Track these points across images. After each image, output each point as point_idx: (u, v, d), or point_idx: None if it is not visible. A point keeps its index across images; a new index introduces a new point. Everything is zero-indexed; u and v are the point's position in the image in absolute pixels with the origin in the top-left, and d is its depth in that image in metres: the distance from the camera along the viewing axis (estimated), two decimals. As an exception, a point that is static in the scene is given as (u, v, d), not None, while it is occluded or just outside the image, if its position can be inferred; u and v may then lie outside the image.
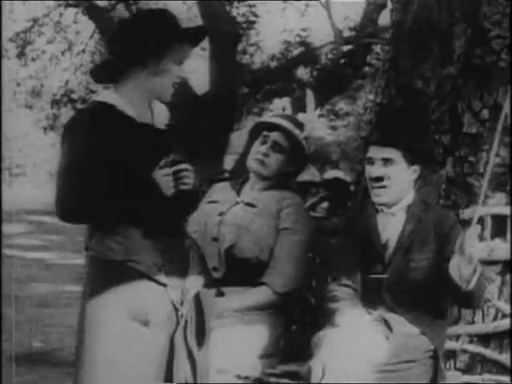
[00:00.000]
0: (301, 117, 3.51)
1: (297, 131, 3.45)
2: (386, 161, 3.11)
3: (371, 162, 3.13)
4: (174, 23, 2.71)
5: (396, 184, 3.12)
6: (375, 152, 3.13)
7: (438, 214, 3.18)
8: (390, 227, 3.15)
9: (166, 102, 2.79)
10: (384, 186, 3.11)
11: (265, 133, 3.45)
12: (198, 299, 2.82)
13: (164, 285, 2.69)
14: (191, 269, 2.93)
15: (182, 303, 2.76)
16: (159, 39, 2.67)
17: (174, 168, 2.68)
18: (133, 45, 2.67)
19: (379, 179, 3.10)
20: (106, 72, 2.76)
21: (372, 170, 3.12)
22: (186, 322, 2.75)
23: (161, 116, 2.83)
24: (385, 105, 3.77)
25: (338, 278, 3.18)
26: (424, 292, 3.07)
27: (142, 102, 2.76)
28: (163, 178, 2.65)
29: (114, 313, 2.63)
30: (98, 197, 2.60)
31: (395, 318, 3.03)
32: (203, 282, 3.15)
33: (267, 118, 3.66)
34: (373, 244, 3.14)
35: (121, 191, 2.61)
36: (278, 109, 3.92)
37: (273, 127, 3.45)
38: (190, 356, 2.73)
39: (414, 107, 3.61)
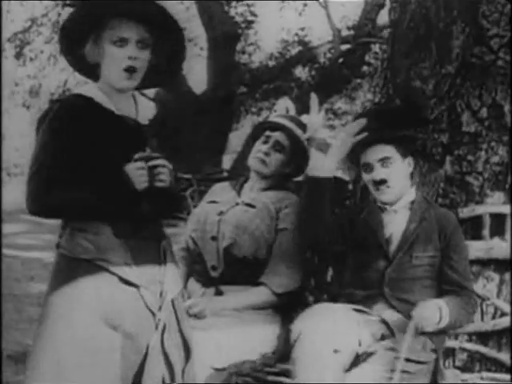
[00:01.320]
0: (304, 118, 3.51)
1: (299, 132, 3.45)
2: (384, 160, 3.11)
3: (370, 167, 3.13)
4: None
5: (397, 180, 3.13)
6: (371, 155, 3.12)
7: (441, 214, 3.19)
8: (394, 224, 3.16)
9: (119, 89, 2.59)
10: (388, 186, 3.12)
11: (267, 132, 3.46)
12: (173, 305, 2.64)
13: (136, 286, 2.53)
14: (175, 272, 2.69)
15: (160, 308, 2.57)
16: (94, 16, 2.50)
17: (150, 163, 2.53)
18: (78, 27, 2.54)
19: (383, 182, 3.11)
20: (75, 58, 2.64)
21: (374, 175, 3.12)
22: (164, 327, 2.57)
23: (145, 111, 2.70)
24: (383, 104, 3.77)
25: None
26: (425, 290, 3.07)
27: (123, 95, 2.63)
28: (136, 171, 2.50)
29: (79, 313, 2.48)
30: (68, 191, 2.49)
31: (395, 318, 3.03)
32: (182, 286, 3.09)
33: (270, 118, 3.67)
34: (376, 239, 3.15)
35: (92, 186, 2.49)
36: (281, 109, 3.91)
37: (275, 127, 3.46)
38: (168, 363, 2.56)
39: (412, 106, 3.61)
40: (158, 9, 2.55)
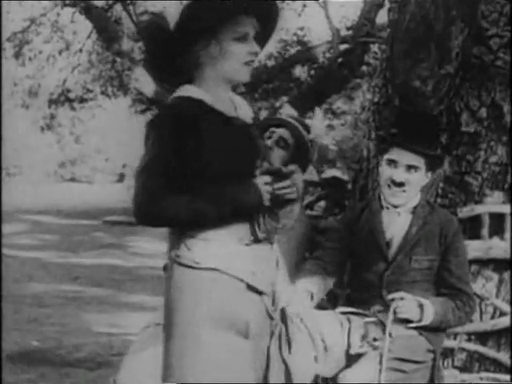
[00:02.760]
0: (308, 123, 3.52)
1: (304, 132, 3.46)
2: (410, 167, 3.09)
3: (395, 165, 3.11)
4: None
5: (413, 189, 3.12)
6: (400, 156, 3.10)
7: (443, 218, 3.18)
8: (396, 226, 3.15)
9: (245, 82, 2.53)
10: (403, 191, 3.11)
11: (272, 129, 3.46)
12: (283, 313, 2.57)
13: (261, 293, 2.47)
14: (285, 277, 2.65)
15: (275, 312, 2.52)
16: (209, 17, 2.42)
17: (277, 186, 2.42)
18: (192, 28, 2.43)
19: (401, 184, 3.10)
20: (174, 71, 2.53)
21: (394, 174, 3.10)
22: (280, 331, 2.53)
23: (243, 109, 2.58)
24: (382, 104, 3.77)
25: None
26: (423, 293, 3.07)
27: (225, 94, 2.54)
28: (264, 186, 2.41)
29: (209, 325, 2.40)
30: (184, 197, 2.39)
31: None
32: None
33: (276, 116, 3.68)
34: (376, 241, 3.15)
35: (212, 194, 2.40)
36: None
37: (280, 124, 3.47)
38: (287, 370, 2.51)
39: (411, 106, 3.61)
40: (268, 1, 2.54)
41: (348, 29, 12.63)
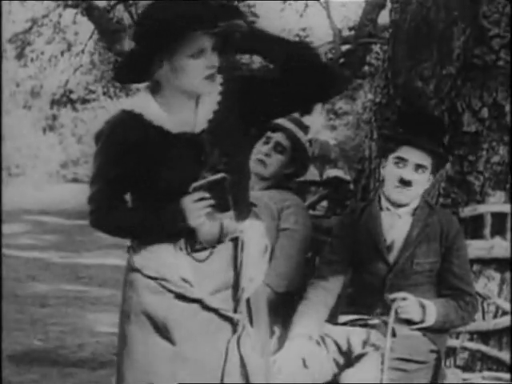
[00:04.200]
0: (306, 120, 3.52)
1: (300, 133, 3.46)
2: (419, 167, 3.09)
3: (404, 163, 3.09)
4: (183, 10, 2.36)
5: (418, 190, 3.12)
6: (410, 154, 3.08)
7: (444, 219, 3.18)
8: (396, 229, 3.14)
9: (209, 94, 2.49)
10: (409, 190, 3.10)
11: (268, 134, 3.46)
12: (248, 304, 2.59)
13: (197, 300, 2.49)
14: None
15: (236, 306, 2.52)
16: (168, 29, 2.36)
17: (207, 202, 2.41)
18: (147, 40, 2.40)
19: (408, 183, 3.08)
20: (130, 72, 2.51)
21: (403, 172, 3.09)
22: (242, 328, 2.51)
23: (205, 115, 2.52)
24: (384, 104, 3.78)
25: (319, 278, 3.20)
26: (425, 295, 3.07)
27: (184, 106, 2.50)
28: (193, 204, 2.41)
29: (137, 327, 2.50)
30: (124, 211, 2.53)
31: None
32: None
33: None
34: (377, 244, 3.15)
35: (149, 208, 2.46)
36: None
37: (276, 128, 3.46)
38: (243, 365, 2.51)
39: (413, 107, 3.62)
40: (227, 9, 2.46)
41: (350, 29, 12.62)
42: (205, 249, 2.50)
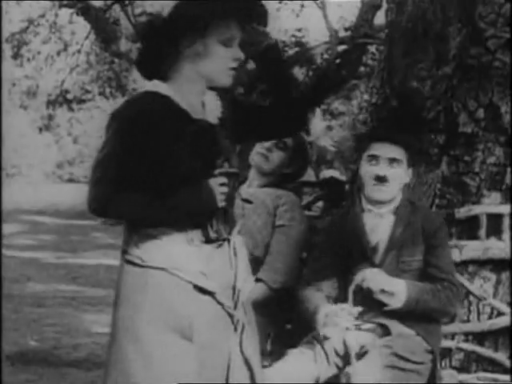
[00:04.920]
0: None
1: (303, 134, 3.49)
2: (392, 161, 3.09)
3: (376, 160, 3.10)
4: None
5: (396, 185, 3.11)
6: (381, 150, 3.10)
7: (425, 214, 3.18)
8: (380, 229, 3.13)
9: (227, 86, 2.49)
10: (387, 186, 3.09)
11: None
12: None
13: (211, 293, 2.43)
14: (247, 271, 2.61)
15: (235, 306, 2.48)
16: (199, 15, 2.39)
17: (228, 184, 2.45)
18: (175, 26, 2.42)
19: (383, 179, 3.08)
20: (153, 64, 2.50)
21: (376, 169, 3.09)
22: (242, 327, 2.49)
23: (211, 108, 2.54)
24: (380, 105, 3.77)
25: (312, 280, 3.19)
26: None
27: (196, 95, 2.51)
28: (219, 187, 2.40)
29: (151, 325, 2.37)
30: (138, 194, 2.38)
31: (390, 321, 3.03)
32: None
33: None
34: (361, 246, 3.13)
35: (166, 192, 2.38)
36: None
37: None
38: (247, 364, 2.47)
39: (409, 107, 3.62)
40: (261, 7, 2.52)
41: (346, 30, 12.66)
42: (217, 240, 2.46)
